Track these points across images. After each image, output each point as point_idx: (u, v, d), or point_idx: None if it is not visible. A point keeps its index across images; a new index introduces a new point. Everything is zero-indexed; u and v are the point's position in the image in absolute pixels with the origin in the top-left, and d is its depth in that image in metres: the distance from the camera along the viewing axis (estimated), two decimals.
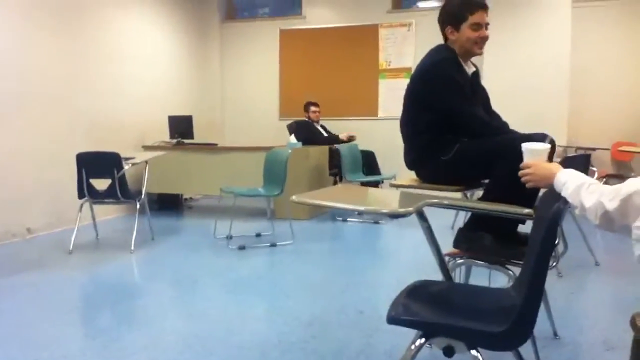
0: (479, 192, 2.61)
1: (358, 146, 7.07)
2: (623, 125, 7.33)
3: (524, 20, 7.09)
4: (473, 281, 2.76)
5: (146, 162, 5.20)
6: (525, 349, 1.85)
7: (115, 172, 4.67)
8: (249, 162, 6.13)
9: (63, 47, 5.83)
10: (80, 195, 4.77)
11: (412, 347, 1.62)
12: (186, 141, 6.94)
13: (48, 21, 5.64)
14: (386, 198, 2.45)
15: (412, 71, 2.77)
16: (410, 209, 1.81)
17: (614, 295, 3.70)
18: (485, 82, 2.90)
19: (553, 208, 1.58)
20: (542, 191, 1.96)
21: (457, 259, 2.46)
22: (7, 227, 5.15)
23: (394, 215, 5.66)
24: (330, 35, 8.31)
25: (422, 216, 2.00)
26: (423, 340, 1.62)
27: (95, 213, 5.20)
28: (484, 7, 2.61)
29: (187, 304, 3.49)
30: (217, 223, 5.42)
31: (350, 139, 7.23)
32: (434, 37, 2.75)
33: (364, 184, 6.65)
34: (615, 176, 7.01)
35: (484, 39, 2.61)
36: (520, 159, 1.92)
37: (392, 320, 1.63)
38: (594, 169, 5.13)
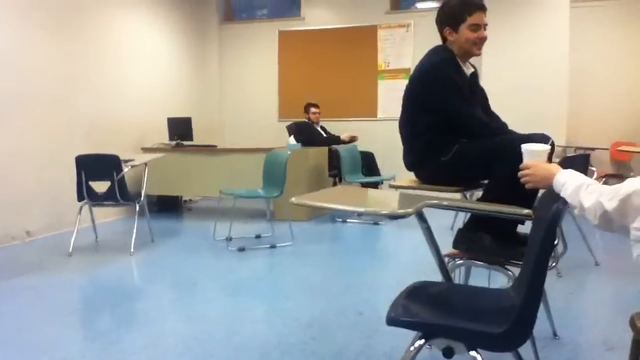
0: (479, 193, 2.61)
1: (357, 147, 7.07)
2: (622, 125, 7.33)
3: (523, 20, 7.10)
4: (473, 282, 2.76)
5: (145, 164, 5.19)
6: (525, 349, 1.85)
7: (115, 174, 4.66)
8: (248, 164, 6.14)
9: (62, 49, 5.83)
10: (80, 197, 4.76)
11: (412, 348, 1.62)
12: (185, 143, 6.94)
13: (46, 23, 5.64)
14: (385, 199, 2.45)
15: (411, 72, 2.77)
16: (410, 210, 1.81)
17: (613, 295, 3.70)
18: (484, 82, 2.91)
19: (552, 208, 1.58)
20: (541, 191, 1.96)
21: (456, 259, 2.46)
22: (6, 230, 5.14)
23: (394, 217, 5.66)
24: (329, 37, 8.31)
25: (421, 217, 2.00)
26: (422, 341, 1.62)
27: (94, 215, 5.20)
28: (483, 8, 2.61)
29: (186, 305, 3.49)
30: (216, 225, 5.42)
31: (352, 139, 7.21)
32: (433, 38, 2.75)
33: (364, 184, 6.65)
34: (615, 176, 7.02)
35: (483, 39, 2.61)
36: (520, 160, 1.92)
37: (392, 321, 1.63)
38: (594, 169, 5.14)
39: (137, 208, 4.93)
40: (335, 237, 5.69)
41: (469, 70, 2.72)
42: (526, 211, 2.01)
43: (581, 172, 1.71)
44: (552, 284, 3.63)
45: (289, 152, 5.31)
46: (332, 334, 2.93)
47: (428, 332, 1.63)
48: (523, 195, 2.07)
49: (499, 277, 2.44)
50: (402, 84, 2.77)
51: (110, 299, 3.60)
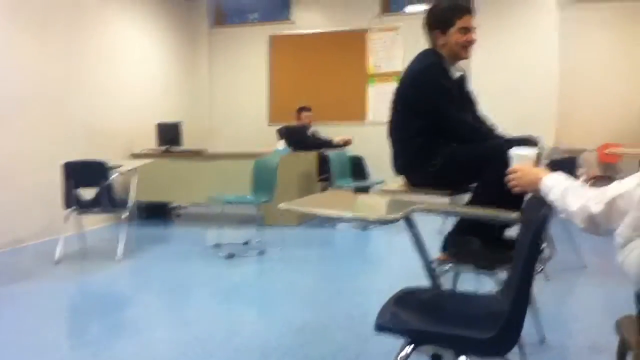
0: (468, 197, 2.61)
1: (347, 152, 7.07)
2: (611, 127, 7.39)
3: (512, 23, 7.15)
4: (461, 286, 2.76)
5: (134, 170, 5.16)
6: (514, 354, 1.84)
7: (103, 181, 4.63)
8: (237, 169, 6.11)
9: (50, 54, 5.79)
10: (67, 204, 4.72)
11: (400, 355, 1.61)
12: (174, 148, 6.90)
13: (34, 27, 5.59)
14: (374, 204, 2.45)
15: (401, 75, 2.77)
16: (398, 215, 1.81)
17: (601, 298, 3.71)
18: (473, 85, 2.92)
19: (540, 212, 1.59)
20: (528, 195, 1.96)
21: (445, 264, 2.46)
22: None
23: (382, 222, 5.65)
24: (319, 40, 8.32)
25: (410, 222, 1.99)
26: (411, 348, 1.61)
27: (82, 222, 5.15)
28: (471, 12, 2.64)
29: (176, 313, 3.47)
30: (205, 231, 5.40)
31: (347, 142, 7.19)
32: (422, 42, 2.75)
33: (358, 189, 6.66)
34: (603, 178, 7.07)
35: (472, 42, 2.64)
36: (507, 164, 1.93)
37: (380, 328, 1.63)
38: (582, 170, 5.16)
39: (126, 215, 4.89)
40: (325, 242, 5.68)
41: (457, 74, 2.73)
42: (514, 215, 2.02)
43: (569, 174, 1.72)
44: (540, 288, 3.64)
45: (278, 158, 5.30)
46: (323, 339, 2.91)
47: (417, 339, 1.63)
48: (511, 199, 2.07)
49: (488, 281, 2.44)
50: (392, 87, 2.77)
51: (98, 307, 3.57)
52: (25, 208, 5.40)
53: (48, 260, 4.69)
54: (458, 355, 1.58)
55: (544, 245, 2.60)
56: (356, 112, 8.16)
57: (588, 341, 2.85)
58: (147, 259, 4.90)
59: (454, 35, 2.60)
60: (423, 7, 7.98)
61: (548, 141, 6.73)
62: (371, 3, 8.12)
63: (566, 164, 4.01)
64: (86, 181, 4.68)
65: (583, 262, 4.29)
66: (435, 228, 5.26)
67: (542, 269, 3.45)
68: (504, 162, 1.96)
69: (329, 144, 7.12)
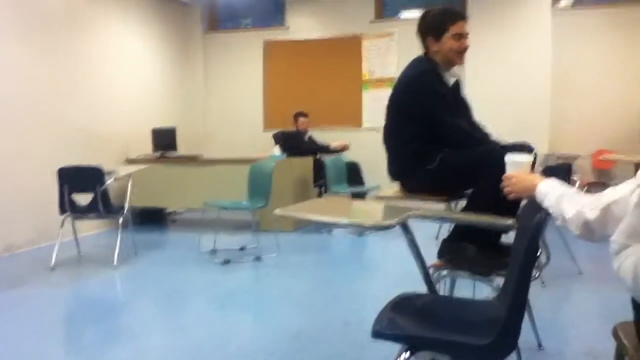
0: (463, 203, 2.62)
1: (342, 157, 7.08)
2: (604, 134, 7.42)
3: (505, 30, 7.19)
4: (457, 292, 2.76)
5: (129, 175, 5.15)
6: None
7: (98, 186, 4.62)
8: (233, 175, 6.10)
9: (45, 60, 5.78)
10: (62, 210, 4.70)
11: None
12: (170, 154, 6.89)
13: (29, 35, 5.58)
14: (370, 210, 2.45)
15: (395, 81, 2.78)
16: (394, 221, 1.81)
17: (597, 304, 3.72)
18: (467, 91, 2.93)
19: (535, 218, 1.59)
20: (524, 201, 1.97)
21: (441, 270, 2.46)
22: None
23: (378, 229, 5.66)
24: (313, 46, 8.33)
25: (406, 228, 2.00)
26: (408, 354, 1.61)
27: (77, 228, 5.13)
28: (464, 18, 2.64)
29: (171, 319, 3.45)
30: (201, 237, 5.38)
31: (344, 148, 7.18)
32: (417, 47, 2.76)
33: (354, 194, 6.67)
34: (597, 184, 7.10)
35: (465, 48, 2.64)
36: (503, 170, 1.94)
37: (377, 334, 1.62)
38: (576, 177, 5.18)
39: (121, 220, 4.87)
40: (321, 248, 5.68)
41: (451, 80, 2.74)
42: (509, 221, 2.02)
43: (563, 180, 1.72)
44: (536, 294, 3.64)
45: (274, 163, 5.30)
46: (319, 345, 2.91)
47: (413, 345, 1.63)
48: (506, 205, 2.08)
49: (484, 287, 2.44)
50: (387, 93, 2.78)
51: (93, 313, 3.55)
52: (20, 214, 5.38)
53: (43, 266, 4.67)
54: None
55: (539, 251, 2.61)
56: (351, 118, 8.17)
57: (585, 347, 2.85)
58: (142, 264, 4.88)
59: (447, 41, 2.60)
60: (417, 13, 8.03)
61: (542, 148, 6.76)
62: (365, 9, 8.15)
63: (560, 170, 4.02)
64: (81, 187, 4.66)
65: (579, 268, 4.30)
66: (431, 234, 5.28)
67: (538, 275, 3.45)
68: (500, 168, 1.96)
69: (325, 149, 7.12)
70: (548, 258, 3.47)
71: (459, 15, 2.64)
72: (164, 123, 7.34)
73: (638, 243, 1.35)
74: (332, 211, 2.33)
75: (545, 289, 3.86)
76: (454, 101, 2.72)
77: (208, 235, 5.32)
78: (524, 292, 1.55)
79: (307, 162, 6.86)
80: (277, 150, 6.98)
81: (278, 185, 5.56)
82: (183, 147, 7.03)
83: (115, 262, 4.70)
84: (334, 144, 7.19)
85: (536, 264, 2.45)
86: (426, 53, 2.71)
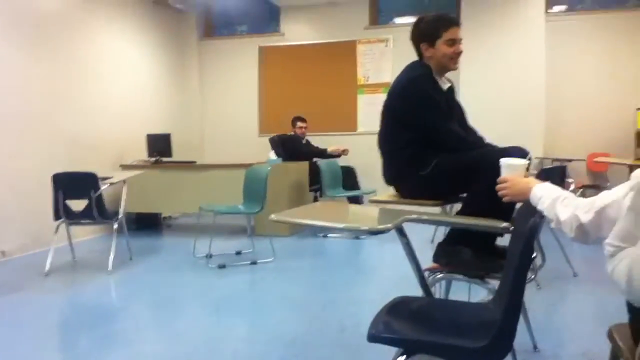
0: (459, 206, 2.63)
1: (338, 162, 7.09)
2: (598, 136, 7.45)
3: (499, 35, 7.22)
4: (453, 295, 2.76)
5: (124, 181, 5.14)
6: None
7: (92, 192, 4.60)
8: (228, 180, 6.10)
9: (40, 66, 5.78)
10: (57, 216, 4.69)
11: None
12: (165, 159, 6.88)
13: (25, 40, 5.58)
14: (365, 214, 2.46)
15: (390, 86, 2.80)
16: (389, 225, 1.81)
17: (593, 306, 3.73)
18: (461, 97, 2.94)
19: (530, 221, 1.60)
20: (519, 204, 1.98)
21: (436, 273, 2.46)
22: None
23: (373, 232, 5.67)
24: (308, 52, 8.36)
25: (401, 232, 2.00)
26: (404, 357, 1.61)
27: (72, 234, 5.11)
28: (458, 23, 2.67)
29: (167, 324, 3.44)
30: (196, 242, 5.37)
31: (343, 152, 7.17)
32: (411, 53, 2.78)
33: (350, 199, 6.68)
34: (592, 187, 7.13)
35: (459, 54, 2.67)
36: (498, 173, 1.94)
37: (373, 338, 1.62)
38: (571, 180, 5.20)
39: (116, 226, 4.86)
40: (316, 252, 5.67)
41: (446, 85, 2.76)
42: (504, 224, 2.03)
43: (558, 183, 1.73)
44: (531, 296, 3.66)
45: (269, 168, 5.30)
46: (314, 350, 2.90)
47: (409, 349, 1.63)
48: (501, 208, 2.09)
49: (480, 290, 2.45)
50: (382, 98, 2.80)
51: (88, 319, 3.54)
52: (14, 219, 5.36)
53: (38, 272, 4.65)
54: None
55: (534, 254, 2.62)
56: (346, 123, 8.19)
57: (580, 349, 2.86)
58: (137, 270, 4.86)
59: (441, 47, 2.63)
60: (411, 20, 8.07)
61: (537, 151, 6.79)
62: (360, 15, 8.19)
63: (555, 173, 4.04)
64: (76, 193, 4.65)
65: (574, 270, 4.31)
66: (427, 237, 5.29)
67: (533, 278, 3.46)
68: (495, 171, 1.97)
69: (323, 154, 7.11)
70: (543, 260, 3.49)
71: (452, 21, 2.66)
72: (159, 129, 7.34)
73: (632, 246, 1.36)
74: (328, 216, 2.33)
75: (540, 291, 3.87)
76: (449, 106, 2.73)
77: (203, 240, 5.31)
78: (520, 294, 1.55)
79: (303, 166, 6.87)
80: (272, 156, 6.98)
81: (273, 189, 5.56)
82: (178, 153, 7.02)
83: (110, 268, 4.69)
84: (331, 148, 7.19)
85: (531, 267, 2.45)
86: (420, 59, 2.73)
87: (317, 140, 7.55)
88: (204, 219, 5.39)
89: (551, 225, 1.64)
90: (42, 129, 5.78)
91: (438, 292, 2.61)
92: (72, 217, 4.74)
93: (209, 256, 5.10)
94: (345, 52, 8.20)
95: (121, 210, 4.97)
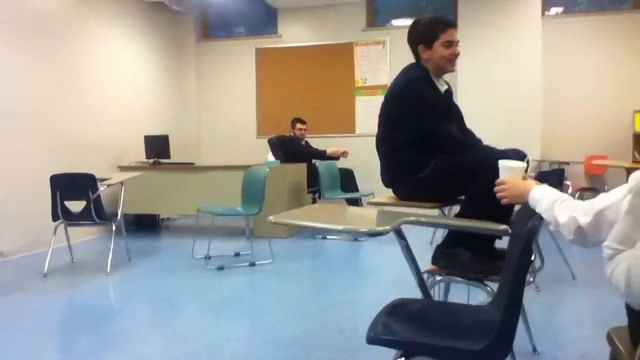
0: (457, 208, 2.63)
1: (336, 164, 7.09)
2: (596, 139, 7.47)
3: (496, 37, 7.24)
4: (452, 298, 2.77)
5: (122, 182, 5.14)
6: None
7: (91, 193, 4.60)
8: (226, 181, 6.10)
9: (38, 67, 5.77)
10: (55, 217, 4.68)
11: None
12: (163, 161, 6.88)
13: (23, 42, 5.58)
14: (364, 216, 2.46)
15: (387, 88, 2.80)
16: (388, 227, 1.81)
17: (591, 308, 3.74)
18: (459, 99, 2.96)
19: (528, 224, 1.60)
20: (517, 207, 1.98)
21: (435, 276, 2.47)
22: None
23: (372, 234, 5.67)
24: (306, 54, 8.37)
25: (400, 234, 2.00)
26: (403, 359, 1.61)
27: (70, 235, 5.11)
28: (454, 25, 2.68)
29: (165, 326, 3.44)
30: (195, 243, 5.37)
31: (343, 154, 7.16)
32: (409, 55, 2.79)
33: (348, 201, 6.68)
34: (589, 189, 7.13)
35: (456, 56, 2.68)
36: (496, 176, 1.95)
37: (372, 340, 1.62)
38: (568, 182, 5.22)
39: (114, 227, 4.85)
40: (315, 254, 5.67)
41: (443, 87, 2.77)
42: (503, 227, 2.03)
43: (556, 186, 1.74)
44: (530, 299, 3.67)
45: (267, 169, 5.30)
46: (313, 352, 2.90)
47: (408, 351, 1.63)
48: (500, 210, 2.09)
49: (479, 293, 2.45)
50: (379, 100, 2.80)
51: (87, 321, 3.53)
52: (12, 220, 5.35)
53: (36, 273, 4.65)
54: None
55: (533, 256, 2.62)
56: (344, 125, 8.20)
57: (579, 351, 2.86)
58: (136, 271, 4.86)
59: (438, 49, 2.64)
60: (408, 22, 8.08)
61: (535, 154, 6.81)
62: (357, 17, 8.20)
63: (553, 176, 4.05)
64: (74, 194, 4.65)
65: (572, 273, 4.32)
66: (425, 239, 5.30)
67: (532, 280, 3.47)
68: (493, 174, 1.97)
69: (322, 155, 7.10)
70: (542, 263, 3.49)
71: (450, 23, 2.67)
72: (157, 131, 7.34)
73: (630, 248, 1.36)
74: (326, 218, 2.34)
75: (539, 293, 3.88)
76: (446, 108, 2.74)
77: (202, 242, 5.31)
78: (519, 297, 1.56)
79: (301, 168, 6.87)
80: (271, 157, 6.98)
81: (272, 191, 5.57)
82: (176, 155, 7.02)
83: (108, 269, 4.68)
84: (330, 149, 7.19)
85: (530, 269, 2.46)
86: (417, 61, 2.74)
87: (315, 142, 7.56)
88: (203, 220, 5.39)
89: (550, 227, 1.64)
90: (40, 130, 5.77)
91: (437, 294, 2.62)
92: (71, 218, 4.73)
93: (208, 258, 5.10)
94: (342, 54, 8.21)
95: (119, 212, 4.97)
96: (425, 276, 2.33)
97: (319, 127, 7.98)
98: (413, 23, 2.75)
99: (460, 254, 2.41)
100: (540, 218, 1.66)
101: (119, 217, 4.91)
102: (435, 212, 2.67)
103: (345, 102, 8.20)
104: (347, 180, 7.21)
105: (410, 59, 2.78)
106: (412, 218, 1.98)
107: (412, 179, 2.61)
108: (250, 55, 8.60)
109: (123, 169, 6.77)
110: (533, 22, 7.14)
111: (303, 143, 7.37)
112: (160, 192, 6.57)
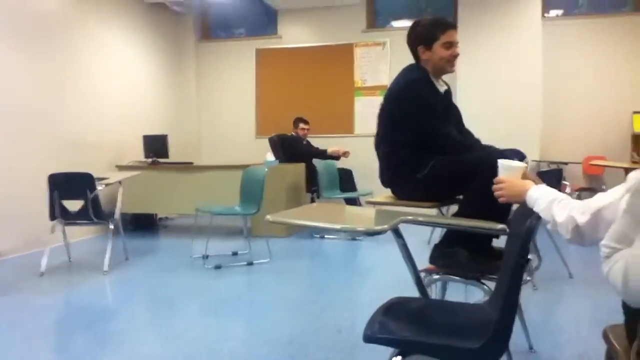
0: (455, 208, 2.64)
1: (335, 163, 7.09)
2: (594, 140, 7.48)
3: (496, 39, 7.25)
4: (449, 296, 2.77)
5: (120, 182, 5.13)
6: None
7: (88, 192, 4.59)
8: (225, 181, 6.10)
9: (37, 67, 5.77)
10: (52, 216, 4.68)
11: None
12: (161, 160, 6.88)
13: (22, 42, 5.57)
14: (362, 215, 2.46)
15: (387, 89, 2.81)
16: (386, 226, 1.82)
17: (588, 307, 3.74)
18: (458, 100, 2.97)
19: (526, 223, 1.60)
20: (515, 206, 1.98)
21: (433, 275, 2.47)
22: None
23: (370, 233, 5.67)
24: (306, 54, 8.37)
25: (397, 233, 2.00)
26: (399, 358, 1.61)
27: (67, 234, 5.10)
28: (454, 27, 2.70)
29: (163, 325, 3.43)
30: (193, 242, 5.37)
31: (345, 154, 7.16)
32: (408, 56, 2.79)
33: (347, 200, 6.68)
34: (588, 189, 7.14)
35: (456, 56, 2.69)
36: (494, 176, 1.95)
37: (369, 338, 1.62)
38: (567, 183, 5.22)
39: (112, 226, 4.85)
40: (313, 254, 5.67)
41: (442, 88, 2.77)
42: (500, 226, 2.03)
43: (554, 186, 1.74)
44: (527, 298, 3.67)
45: (266, 169, 5.30)
46: (311, 352, 2.90)
47: (405, 349, 1.63)
48: (497, 210, 2.09)
49: (476, 292, 2.45)
50: (379, 100, 2.81)
51: (84, 320, 3.53)
52: (10, 220, 5.34)
53: (33, 273, 4.64)
54: None
55: (530, 255, 2.62)
56: (344, 125, 8.21)
57: (576, 350, 2.86)
58: (133, 270, 4.85)
59: (438, 50, 2.65)
60: (408, 23, 8.09)
61: (533, 154, 6.81)
62: (357, 18, 8.21)
63: (551, 176, 4.06)
64: (72, 193, 4.64)
65: (569, 272, 4.33)
66: (423, 239, 5.30)
67: (529, 279, 3.48)
68: (490, 174, 1.98)
69: (323, 155, 7.09)
70: (539, 262, 3.50)
71: (449, 24, 2.69)
72: (156, 130, 7.34)
73: (627, 247, 1.37)
74: (324, 217, 2.34)
75: (536, 292, 3.88)
76: (445, 109, 2.75)
77: (200, 241, 5.30)
78: (516, 295, 1.56)
79: (300, 168, 6.87)
80: (270, 157, 6.97)
81: (270, 191, 5.56)
82: (175, 155, 7.02)
83: (106, 268, 4.68)
84: (331, 149, 7.19)
85: (527, 268, 2.46)
86: (417, 62, 2.74)
87: (314, 142, 7.56)
88: (201, 219, 5.39)
89: (547, 226, 1.65)
90: (38, 130, 5.77)
91: (434, 293, 2.62)
92: (68, 218, 4.73)
93: (206, 257, 5.10)
94: (342, 55, 8.21)
95: (117, 211, 4.97)
96: (422, 275, 2.33)
97: (318, 127, 7.98)
98: (413, 24, 2.76)
99: (458, 253, 2.41)
100: (538, 217, 1.67)
101: (116, 217, 4.91)
102: (433, 211, 2.67)
103: (344, 103, 8.21)
104: (345, 180, 7.22)
105: (409, 60, 2.79)
106: (410, 217, 1.98)
107: (410, 179, 2.62)
108: (250, 56, 8.61)
109: (121, 168, 6.76)
110: (533, 23, 7.15)
111: (304, 143, 7.37)
112: (158, 191, 6.56)
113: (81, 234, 6.18)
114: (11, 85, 5.45)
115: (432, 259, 2.51)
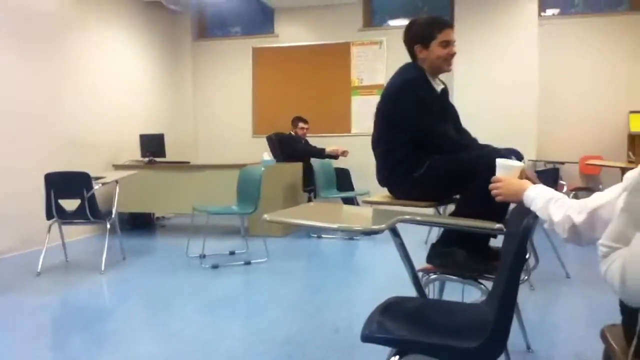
0: (452, 207, 2.64)
1: (332, 163, 7.09)
2: (591, 139, 7.50)
3: (492, 38, 7.25)
4: (447, 296, 2.77)
5: (116, 181, 5.12)
6: None
7: (85, 192, 4.58)
8: (222, 180, 6.10)
9: (33, 67, 5.75)
10: (49, 216, 4.66)
11: None
12: (158, 160, 6.87)
13: (19, 41, 5.56)
14: (359, 215, 2.46)
15: (384, 88, 2.81)
16: (383, 226, 1.81)
17: (585, 307, 3.75)
18: (455, 99, 2.97)
19: (523, 223, 1.60)
20: (512, 205, 1.98)
21: (430, 274, 2.47)
22: None
23: (367, 233, 5.67)
24: (302, 53, 8.36)
25: (395, 232, 2.00)
26: (397, 357, 1.61)
27: (64, 234, 5.09)
28: (451, 25, 2.70)
29: (160, 325, 3.43)
30: (190, 242, 5.36)
31: (343, 153, 7.16)
32: (405, 55, 2.79)
33: (344, 200, 6.68)
34: (584, 189, 7.16)
35: (453, 55, 2.69)
36: (490, 175, 1.95)
37: (366, 338, 1.62)
38: (564, 182, 5.22)
39: (108, 226, 4.84)
40: (310, 253, 5.67)
41: (439, 87, 2.77)
42: (498, 225, 2.03)
43: (551, 185, 1.74)
44: (525, 297, 3.67)
45: (263, 168, 5.29)
46: (308, 351, 2.90)
47: (403, 348, 1.63)
48: (495, 209, 2.10)
49: (473, 291, 2.45)
50: (376, 99, 2.81)
51: (81, 320, 3.52)
52: (6, 219, 5.33)
53: (30, 272, 4.63)
54: None
55: (528, 255, 2.63)
56: (340, 124, 8.20)
57: (573, 349, 2.87)
58: (130, 270, 4.84)
59: (435, 48, 2.65)
60: (404, 22, 8.08)
61: (530, 154, 6.82)
62: (354, 17, 8.20)
63: (548, 176, 4.06)
64: (68, 192, 4.63)
65: (567, 271, 4.33)
66: (420, 238, 5.30)
67: (526, 279, 3.48)
68: (487, 173, 1.98)
69: (321, 154, 7.09)
70: (536, 262, 3.50)
71: (446, 23, 2.68)
72: (152, 130, 7.33)
73: (625, 246, 1.37)
74: (321, 216, 2.33)
75: (533, 292, 3.89)
76: (442, 108, 2.75)
77: (197, 240, 5.29)
78: (513, 295, 1.56)
79: (297, 167, 6.86)
80: (267, 156, 6.96)
81: (267, 190, 5.56)
82: (171, 154, 7.01)
83: (102, 268, 4.67)
84: (329, 148, 7.19)
85: (524, 268, 2.46)
86: (414, 61, 2.74)
87: (312, 142, 7.56)
88: (198, 219, 5.38)
89: (544, 226, 1.65)
90: (35, 129, 5.75)
91: (432, 292, 2.62)
92: (65, 217, 4.71)
93: (203, 256, 5.09)
94: (339, 54, 8.21)
95: (114, 210, 4.95)
96: (420, 275, 2.33)
97: (315, 126, 7.97)
98: (409, 23, 2.76)
99: (455, 253, 2.41)
100: (535, 217, 1.67)
101: (113, 216, 4.89)
102: (430, 211, 2.67)
103: (341, 102, 8.20)
104: (342, 179, 7.22)
105: (406, 58, 2.79)
106: (407, 217, 1.97)
107: (407, 178, 2.62)
108: (246, 54, 8.60)
109: (118, 167, 6.75)
110: (529, 23, 7.16)
111: (303, 142, 7.37)
112: (155, 191, 6.55)
113: (78, 233, 6.17)
114: (8, 85, 5.43)
115: (430, 259, 2.51)
